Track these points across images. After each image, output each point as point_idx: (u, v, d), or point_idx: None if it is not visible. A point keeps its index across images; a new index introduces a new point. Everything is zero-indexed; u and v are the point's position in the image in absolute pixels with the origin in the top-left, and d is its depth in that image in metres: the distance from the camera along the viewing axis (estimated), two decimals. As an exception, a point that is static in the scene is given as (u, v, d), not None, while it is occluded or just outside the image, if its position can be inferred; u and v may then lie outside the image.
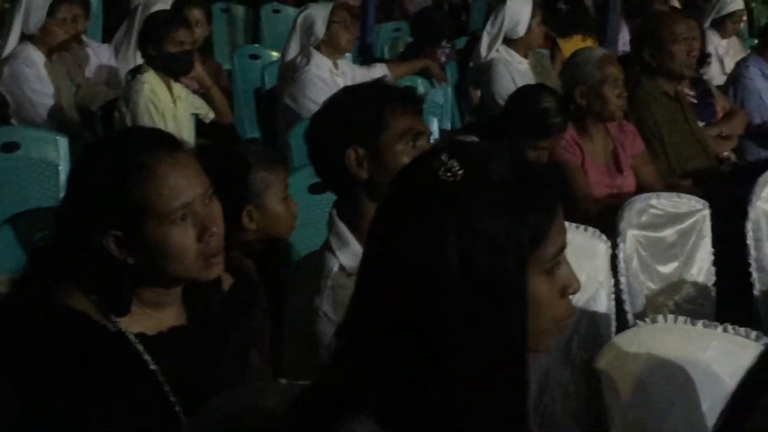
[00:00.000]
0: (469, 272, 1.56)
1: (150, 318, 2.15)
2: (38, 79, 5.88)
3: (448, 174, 1.60)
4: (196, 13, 6.34)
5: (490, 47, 6.35)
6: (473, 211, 1.58)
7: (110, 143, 2.44)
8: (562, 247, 1.64)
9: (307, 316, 2.46)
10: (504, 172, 1.61)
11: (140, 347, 2.10)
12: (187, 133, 5.32)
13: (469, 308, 1.56)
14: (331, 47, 5.93)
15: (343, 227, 2.57)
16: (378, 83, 2.94)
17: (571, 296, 1.70)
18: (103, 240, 2.04)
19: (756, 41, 6.56)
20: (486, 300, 1.56)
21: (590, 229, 3.36)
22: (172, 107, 5.32)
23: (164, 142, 2.16)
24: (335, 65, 5.95)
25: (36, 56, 5.95)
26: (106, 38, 7.48)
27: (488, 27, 6.43)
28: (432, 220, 1.59)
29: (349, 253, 2.52)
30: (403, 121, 2.56)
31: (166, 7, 6.46)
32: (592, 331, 3.22)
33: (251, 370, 2.38)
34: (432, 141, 5.20)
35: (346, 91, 2.87)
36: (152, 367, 2.11)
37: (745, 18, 8.53)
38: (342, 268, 2.51)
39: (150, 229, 2.04)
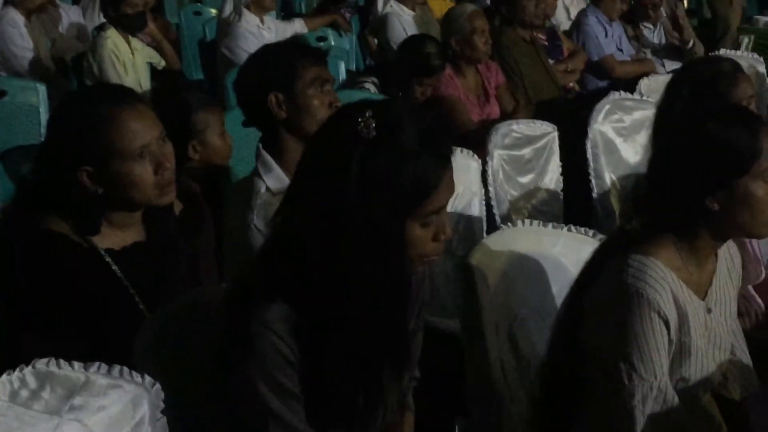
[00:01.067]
0: (363, 206, 1.60)
1: (116, 236, 2.14)
2: (20, 37, 5.88)
3: (365, 131, 1.60)
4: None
5: (384, 3, 6.32)
6: (377, 166, 1.60)
7: (82, 96, 2.39)
8: (442, 206, 1.68)
9: (242, 230, 2.45)
10: (412, 140, 1.62)
11: (109, 259, 2.11)
12: (144, 78, 5.35)
13: (360, 227, 1.61)
14: (258, 6, 5.92)
15: (268, 157, 2.56)
16: (292, 41, 2.93)
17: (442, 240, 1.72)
18: (77, 174, 2.05)
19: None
20: (372, 229, 1.61)
21: (465, 150, 3.35)
22: (130, 57, 5.32)
23: (126, 95, 2.17)
24: (262, 21, 5.94)
25: (17, 18, 5.93)
26: (75, 0, 7.37)
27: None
28: (344, 163, 1.61)
29: (273, 177, 2.52)
30: (312, 71, 2.56)
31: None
32: (468, 231, 3.25)
33: (200, 276, 2.41)
34: (340, 81, 5.24)
35: (266, 47, 2.84)
36: (119, 274, 2.12)
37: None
38: (268, 189, 2.51)
39: (115, 165, 2.05)
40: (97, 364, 1.60)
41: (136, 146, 2.06)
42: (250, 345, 1.67)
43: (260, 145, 2.62)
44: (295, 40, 3.02)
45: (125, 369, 1.62)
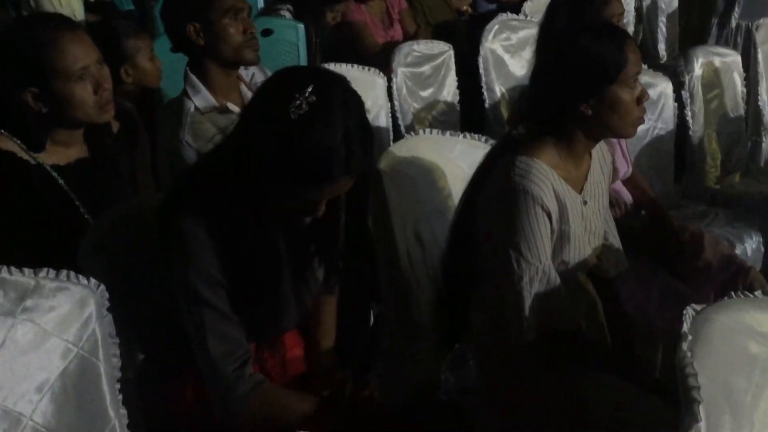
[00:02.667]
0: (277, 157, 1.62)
1: (61, 153, 2.12)
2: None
3: (293, 108, 1.56)
4: None
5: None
6: (290, 143, 1.59)
7: (25, 24, 2.30)
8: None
9: (174, 145, 2.42)
10: (336, 127, 1.59)
11: (55, 174, 2.08)
12: (77, 11, 5.14)
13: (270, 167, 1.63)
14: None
15: (195, 80, 2.50)
16: None
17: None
18: (22, 95, 2.01)
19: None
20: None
21: (372, 69, 3.33)
22: (65, -11, 5.07)
23: (66, 22, 2.13)
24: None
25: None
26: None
27: None
28: (273, 131, 1.60)
29: (200, 98, 2.48)
30: (227, 1, 2.48)
31: None
32: (377, 142, 3.23)
33: (138, 186, 2.38)
34: (258, 9, 5.11)
35: None
36: (65, 188, 2.09)
37: None
38: (197, 108, 2.47)
39: (58, 86, 2.02)
40: (45, 269, 1.57)
41: (77, 68, 2.02)
42: (182, 241, 1.69)
43: (187, 69, 2.56)
44: None
45: (71, 273, 1.59)
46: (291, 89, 1.59)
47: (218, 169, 1.71)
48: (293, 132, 1.58)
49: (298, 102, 1.57)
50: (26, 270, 1.55)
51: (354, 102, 1.66)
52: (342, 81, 1.68)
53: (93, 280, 1.62)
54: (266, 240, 1.70)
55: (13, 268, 1.53)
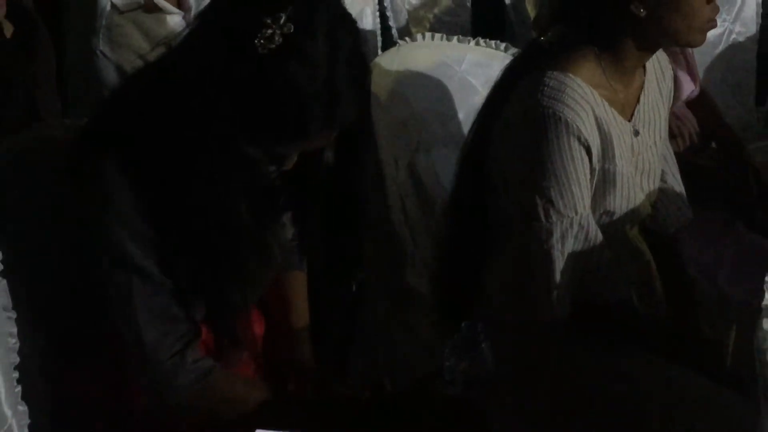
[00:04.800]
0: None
1: None
2: None
3: (262, 40, 1.54)
4: None
5: None
6: (255, 85, 1.59)
7: None
8: None
9: (85, 55, 2.40)
10: (317, 68, 1.57)
11: None
12: None
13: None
14: None
15: None
16: None
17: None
18: None
19: None
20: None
21: (354, -50, 3.31)
22: None
23: None
24: None
25: None
26: None
27: None
28: (232, 67, 1.59)
29: None
30: None
31: None
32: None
33: (39, 107, 2.36)
34: None
35: None
36: None
37: None
38: (114, 6, 2.42)
39: None
40: None
41: None
42: (103, 187, 1.67)
43: None
44: None
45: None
46: (260, 12, 1.56)
47: (152, 98, 1.68)
48: (259, 72, 1.57)
49: (269, 32, 1.55)
50: None
51: (345, 31, 1.63)
52: (331, 2, 1.65)
53: (-21, 235, 1.62)
54: (219, 190, 1.68)
55: None
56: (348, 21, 1.66)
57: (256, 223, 1.78)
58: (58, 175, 1.76)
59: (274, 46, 1.55)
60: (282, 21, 1.55)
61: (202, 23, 1.68)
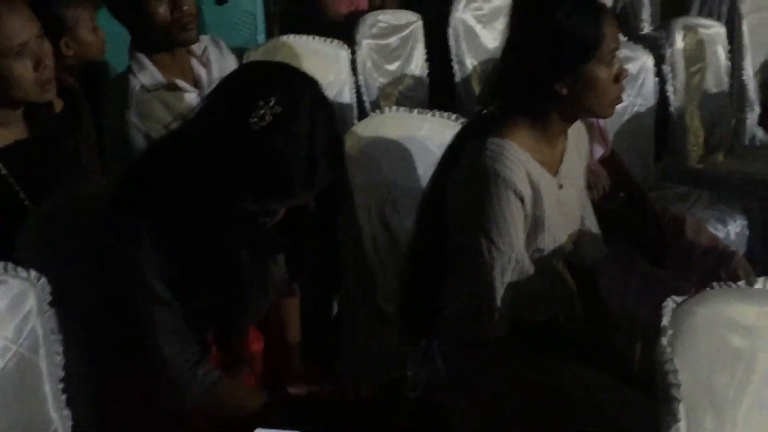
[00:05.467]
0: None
1: None
2: None
3: (256, 119, 1.54)
4: None
5: None
6: (249, 155, 1.58)
7: None
8: None
9: (119, 125, 2.38)
10: (300, 142, 1.57)
11: None
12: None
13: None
14: None
15: (140, 56, 2.45)
16: None
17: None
18: None
19: None
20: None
21: (335, 41, 3.33)
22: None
23: None
24: None
25: None
26: None
27: None
28: (232, 139, 1.58)
29: (147, 75, 2.43)
30: None
31: None
32: (340, 118, 3.22)
33: (83, 169, 2.35)
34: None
35: None
36: (3, 171, 2.05)
37: None
38: (143, 86, 2.41)
39: None
40: (-20, 261, 1.55)
41: (15, 44, 1.98)
42: (132, 234, 1.67)
43: (132, 45, 2.50)
44: None
45: (9, 264, 1.58)
46: (255, 95, 1.56)
47: (171, 163, 1.68)
48: (253, 144, 1.56)
49: (261, 112, 1.55)
50: (-41, 262, 1.54)
51: (323, 112, 1.63)
52: (311, 86, 1.65)
53: (33, 273, 1.60)
54: (223, 238, 1.68)
55: (-56, 261, 1.52)
56: (325, 103, 1.66)
57: (255, 262, 1.78)
58: (98, 223, 1.75)
59: (265, 123, 1.54)
60: (272, 103, 1.55)
61: (209, 104, 1.68)
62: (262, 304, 1.93)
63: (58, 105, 2.30)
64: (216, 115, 1.63)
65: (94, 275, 1.80)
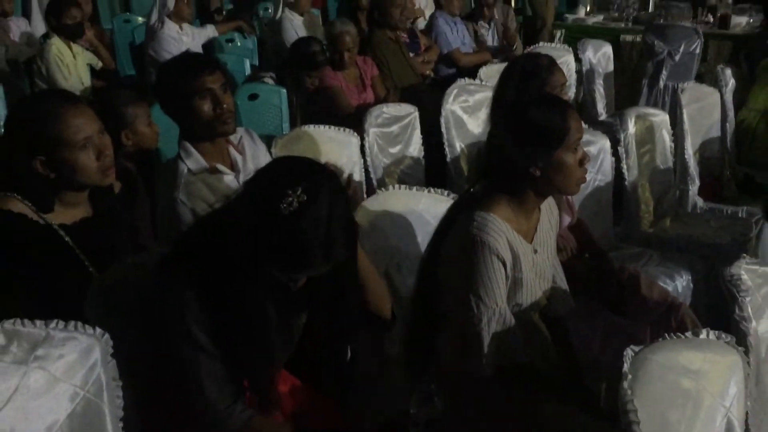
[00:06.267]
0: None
1: (68, 213, 2.08)
2: (-22, 45, 5.52)
3: (285, 204, 1.56)
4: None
5: (280, 10, 6.20)
6: (278, 234, 1.60)
7: (35, 99, 2.31)
8: None
9: (170, 203, 2.39)
10: (320, 225, 1.59)
11: (62, 233, 2.05)
12: (84, 77, 5.08)
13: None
14: (177, 16, 5.67)
15: (187, 145, 2.47)
16: (187, 57, 2.75)
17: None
18: (32, 163, 1.98)
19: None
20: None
21: (346, 129, 3.34)
22: (73, 60, 5.04)
23: (69, 98, 2.09)
24: (181, 27, 5.70)
25: (-27, 28, 5.56)
26: (23, 12, 7.00)
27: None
28: (264, 221, 1.60)
29: (193, 161, 2.45)
30: (196, 84, 2.42)
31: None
32: (351, 196, 3.23)
33: (139, 240, 2.35)
34: (246, 75, 5.13)
35: (168, 63, 2.64)
36: (71, 245, 2.05)
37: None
38: (189, 170, 2.43)
39: (64, 155, 1.99)
40: (55, 321, 1.55)
41: (80, 138, 2.00)
42: (178, 296, 1.69)
43: (180, 135, 2.53)
44: (189, 56, 2.82)
45: (79, 323, 1.58)
46: (285, 186, 1.59)
47: (212, 237, 1.70)
48: (282, 225, 1.58)
49: (290, 199, 1.57)
50: (38, 322, 1.53)
51: (340, 200, 1.65)
52: (331, 179, 1.67)
53: (98, 329, 1.60)
54: (254, 299, 1.70)
55: (26, 321, 1.52)
56: (342, 191, 1.69)
57: (282, 318, 1.79)
58: (151, 287, 1.76)
59: (292, 209, 1.56)
60: (299, 192, 1.57)
61: (246, 190, 1.69)
62: (286, 352, 1.92)
63: (117, 186, 2.30)
64: (252, 200, 1.64)
65: (148, 331, 1.80)
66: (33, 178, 2.01)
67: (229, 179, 2.48)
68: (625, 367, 1.48)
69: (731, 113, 4.58)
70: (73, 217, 2.09)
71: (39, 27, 6.19)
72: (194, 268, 1.68)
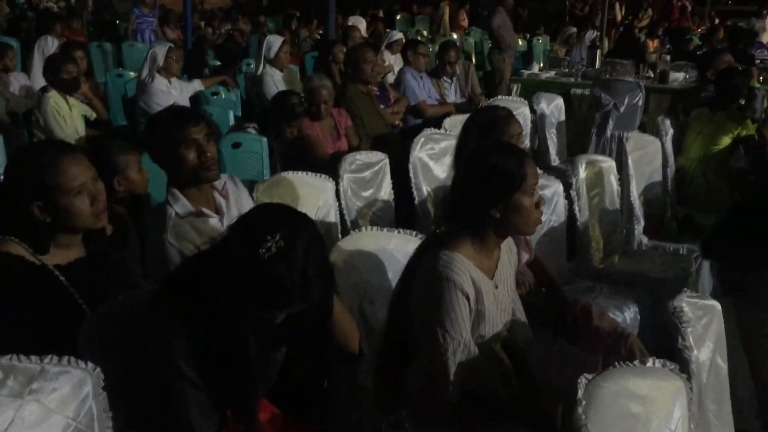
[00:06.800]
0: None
1: (62, 254, 2.05)
2: (-21, 98, 5.46)
3: (264, 250, 1.55)
4: (79, 53, 5.92)
5: (261, 66, 6.22)
6: (258, 277, 1.59)
7: (33, 148, 2.29)
8: None
9: (159, 244, 2.38)
10: (297, 270, 1.58)
11: (57, 273, 2.02)
12: (79, 127, 5.02)
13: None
14: (167, 71, 5.63)
15: (175, 191, 2.47)
16: (174, 110, 2.77)
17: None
18: (30, 208, 1.97)
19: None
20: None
21: (323, 175, 3.34)
22: (68, 112, 4.97)
23: (66, 147, 2.09)
24: (170, 81, 5.66)
25: (-24, 82, 5.50)
26: (23, 68, 7.01)
27: (258, 52, 6.33)
28: (245, 265, 1.59)
29: (180, 205, 2.44)
30: (181, 134, 2.43)
31: (56, 49, 6.28)
32: (328, 235, 3.21)
33: (130, 279, 2.31)
34: (229, 126, 5.12)
35: (156, 115, 2.68)
36: (66, 284, 2.02)
37: (403, 40, 8.55)
38: (177, 214, 2.42)
39: (61, 200, 1.98)
40: (49, 356, 1.52)
41: (76, 185, 1.98)
42: (167, 332, 1.67)
43: (168, 182, 2.53)
44: (176, 109, 2.84)
45: (72, 358, 1.55)
46: (264, 232, 1.58)
47: (198, 278, 1.69)
48: (261, 269, 1.57)
49: (269, 245, 1.57)
50: (33, 357, 1.51)
51: (316, 246, 1.64)
52: (307, 224, 1.67)
53: (90, 364, 1.57)
54: (236, 334, 1.68)
55: (21, 356, 1.50)
56: (320, 238, 1.68)
57: (263, 351, 1.77)
58: (141, 323, 1.73)
59: (271, 254, 1.56)
60: (277, 238, 1.56)
61: (229, 235, 1.69)
62: (267, 383, 1.90)
63: (110, 229, 2.26)
64: (234, 245, 1.64)
65: (137, 364, 1.78)
66: (30, 222, 1.98)
67: (214, 222, 2.47)
68: (580, 393, 1.48)
69: (671, 159, 4.66)
70: (67, 258, 2.06)
71: (38, 81, 6.12)
72: (181, 306, 1.67)
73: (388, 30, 10.31)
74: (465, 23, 13.40)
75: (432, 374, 2.02)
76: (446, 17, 14.14)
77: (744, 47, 8.52)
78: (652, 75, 7.40)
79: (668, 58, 7.93)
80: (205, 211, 2.47)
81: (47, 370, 1.51)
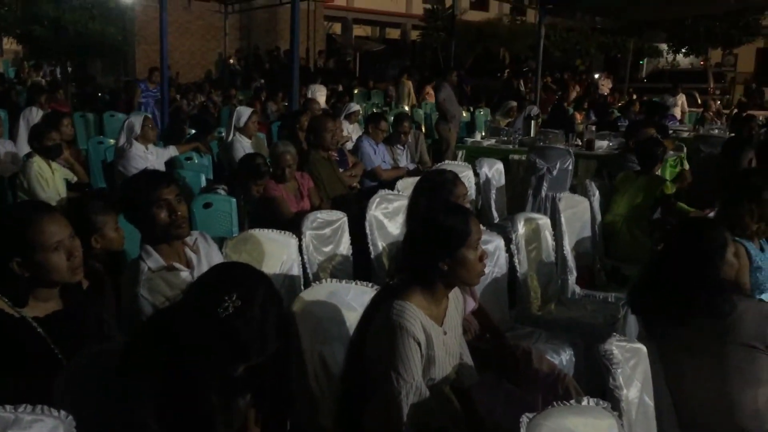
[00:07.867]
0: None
1: (40, 307, 1.99)
2: (-32, 163, 5.32)
3: (221, 309, 1.52)
4: (64, 121, 5.86)
5: (231, 133, 6.21)
6: (217, 335, 1.55)
7: (13, 209, 2.22)
8: None
9: (132, 297, 2.31)
10: (253, 326, 1.56)
11: (35, 324, 1.95)
12: (61, 190, 4.94)
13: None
14: (143, 139, 5.58)
15: (148, 247, 2.42)
16: (147, 173, 2.75)
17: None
18: (9, 264, 1.91)
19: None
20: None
21: (287, 232, 3.31)
22: (51, 176, 4.90)
23: (43, 207, 2.04)
24: (146, 147, 5.61)
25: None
26: (10, 136, 6.88)
27: (229, 121, 6.32)
28: (204, 323, 1.56)
29: (152, 260, 2.38)
30: (154, 195, 2.41)
31: (40, 117, 6.24)
32: (290, 287, 3.18)
33: (105, 331, 2.24)
34: (200, 187, 5.08)
35: (131, 177, 2.68)
36: (44, 335, 1.95)
37: (360, 112, 8.66)
38: (149, 268, 2.36)
39: (39, 256, 1.93)
40: (24, 405, 1.45)
41: (53, 242, 1.94)
42: (134, 384, 1.60)
43: (141, 239, 2.48)
44: (149, 174, 2.83)
45: (45, 407, 1.48)
46: (222, 292, 1.56)
47: (161, 335, 1.63)
48: (220, 327, 1.54)
49: (226, 304, 1.54)
50: (7, 406, 1.44)
51: (272, 302, 1.61)
52: (264, 282, 1.64)
53: (62, 412, 1.50)
54: (197, 387, 1.62)
55: (-3, 405, 1.42)
56: (275, 295, 1.65)
57: (224, 402, 1.71)
58: (112, 374, 1.66)
59: (228, 312, 1.52)
60: (234, 298, 1.54)
61: (189, 294, 1.65)
62: (231, 430, 1.83)
63: (86, 284, 2.21)
64: (193, 305, 1.60)
65: (108, 414, 1.69)
66: (9, 277, 1.92)
67: (185, 275, 2.42)
68: (522, 431, 1.46)
69: (599, 217, 4.74)
70: (45, 311, 1.99)
71: (23, 147, 6.03)
72: (146, 360, 1.60)
73: (347, 101, 10.42)
74: (431, 98, 13.61)
75: (387, 414, 1.98)
76: (412, 91, 14.56)
77: (659, 119, 8.82)
78: (580, 143, 7.59)
79: (593, 128, 8.15)
80: (177, 265, 2.42)
81: (21, 418, 1.44)
